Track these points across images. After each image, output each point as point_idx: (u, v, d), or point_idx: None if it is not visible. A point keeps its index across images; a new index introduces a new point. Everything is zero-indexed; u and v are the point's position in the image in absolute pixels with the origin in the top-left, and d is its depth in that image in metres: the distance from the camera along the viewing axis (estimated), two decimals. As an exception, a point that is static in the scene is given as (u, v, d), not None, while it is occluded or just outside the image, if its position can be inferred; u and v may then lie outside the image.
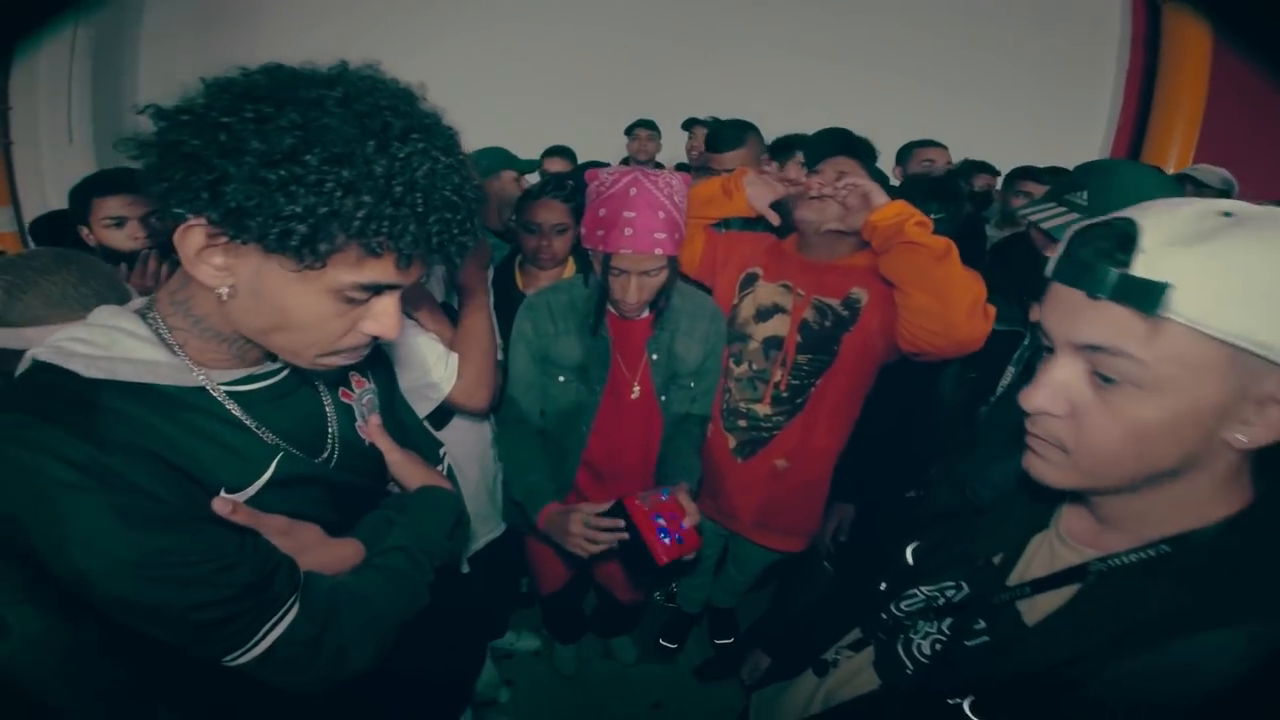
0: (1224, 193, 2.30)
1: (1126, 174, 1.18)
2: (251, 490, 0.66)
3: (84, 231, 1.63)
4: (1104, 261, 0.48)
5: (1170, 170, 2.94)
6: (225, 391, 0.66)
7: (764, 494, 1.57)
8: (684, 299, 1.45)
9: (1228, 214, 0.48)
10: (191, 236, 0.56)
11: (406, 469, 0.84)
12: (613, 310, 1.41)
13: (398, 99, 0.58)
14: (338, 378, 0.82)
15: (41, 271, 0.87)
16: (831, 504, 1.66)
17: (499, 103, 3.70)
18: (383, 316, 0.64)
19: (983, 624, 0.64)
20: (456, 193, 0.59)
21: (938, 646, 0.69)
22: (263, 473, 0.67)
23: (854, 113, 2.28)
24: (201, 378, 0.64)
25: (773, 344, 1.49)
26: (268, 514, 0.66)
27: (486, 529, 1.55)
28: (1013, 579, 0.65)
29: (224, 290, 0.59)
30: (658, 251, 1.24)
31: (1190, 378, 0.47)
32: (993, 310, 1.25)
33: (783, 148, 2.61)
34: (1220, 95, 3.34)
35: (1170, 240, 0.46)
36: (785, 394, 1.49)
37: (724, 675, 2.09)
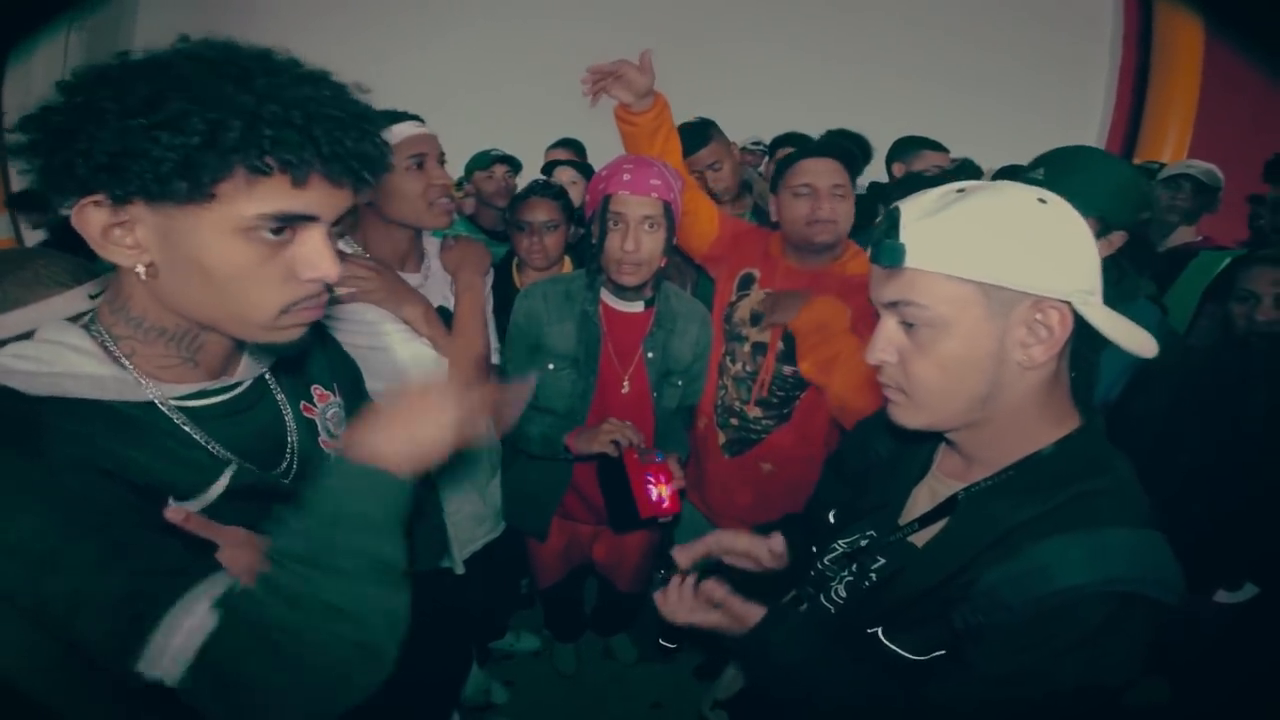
0: (1210, 186, 2.33)
1: (1085, 153, 1.22)
2: (207, 499, 0.64)
3: None
4: (883, 240, 0.64)
5: (1167, 162, 2.95)
6: (176, 406, 0.63)
7: (750, 492, 1.60)
8: (678, 300, 1.47)
9: (961, 190, 0.64)
10: (88, 216, 0.55)
11: None
12: (608, 301, 1.42)
13: (254, 54, 0.57)
14: (299, 390, 0.79)
15: (11, 262, 0.94)
16: None
17: (496, 100, 3.70)
18: (314, 256, 0.60)
19: (881, 560, 0.75)
20: (339, 105, 0.57)
21: (849, 586, 0.80)
22: (214, 482, 0.64)
23: (846, 109, 2.29)
24: (151, 392, 0.62)
25: (760, 350, 1.51)
26: (225, 526, 0.64)
27: (483, 530, 1.54)
28: (903, 519, 0.77)
29: (141, 269, 0.57)
30: (654, 195, 1.28)
31: (959, 311, 0.61)
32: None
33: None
34: (1213, 90, 3.35)
35: (918, 215, 0.63)
36: (774, 401, 1.51)
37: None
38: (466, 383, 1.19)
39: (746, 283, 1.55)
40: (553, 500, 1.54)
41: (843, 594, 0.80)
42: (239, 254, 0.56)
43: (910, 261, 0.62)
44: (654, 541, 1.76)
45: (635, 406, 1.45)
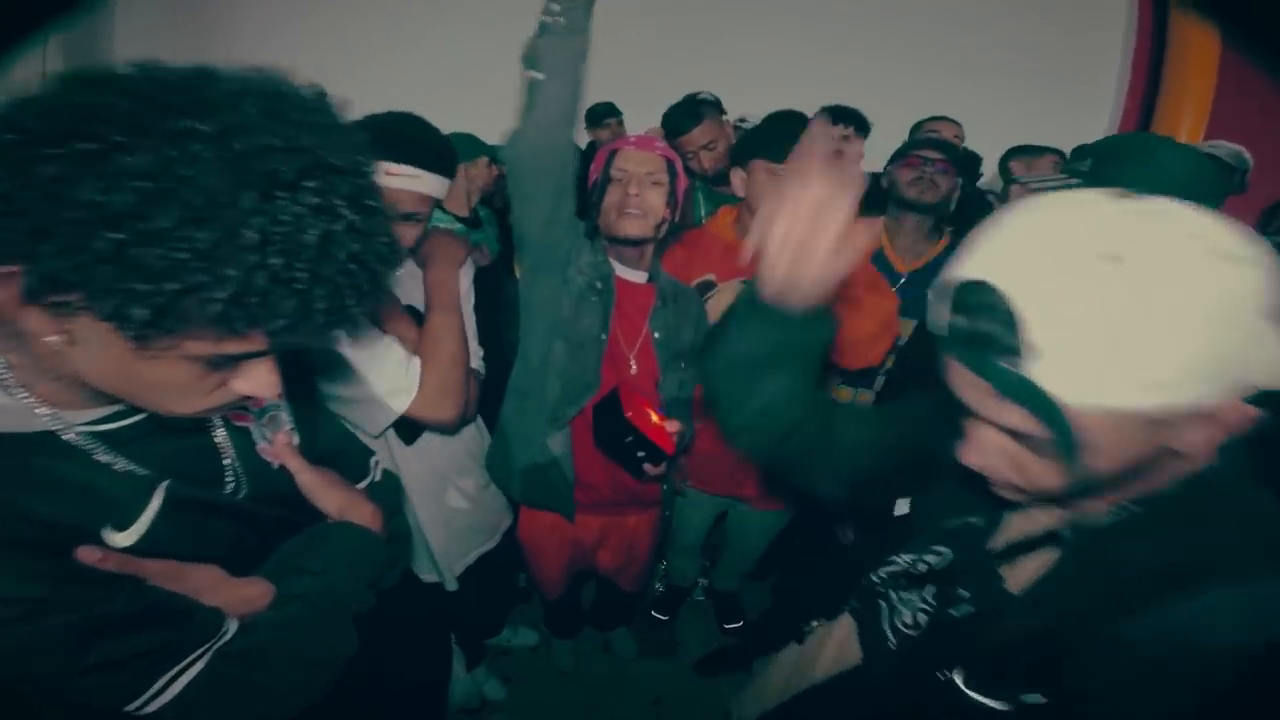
0: (1235, 168, 2.27)
1: (1144, 140, 1.11)
2: (142, 525, 0.57)
3: None
4: (998, 353, 0.46)
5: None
6: (86, 433, 0.55)
7: (726, 464, 1.65)
8: (670, 279, 1.46)
9: (1111, 256, 0.43)
10: (10, 283, 0.43)
11: (320, 492, 0.73)
12: (616, 273, 1.37)
13: (302, 129, 0.44)
14: None
15: None
16: None
17: (479, 90, 3.61)
18: (257, 381, 0.53)
19: (966, 593, 0.64)
20: (356, 258, 0.47)
21: (921, 617, 0.68)
22: (145, 505, 0.57)
23: (855, 97, 2.23)
24: (52, 421, 0.53)
25: None
26: (146, 559, 0.57)
27: (478, 541, 1.50)
28: (992, 544, 0.65)
29: (54, 340, 0.46)
30: (657, 153, 1.31)
31: (1105, 437, 0.47)
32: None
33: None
34: (1229, 81, 3.27)
35: (1061, 324, 0.44)
36: None
37: (725, 670, 2.08)
38: (440, 385, 1.11)
39: (704, 289, 1.53)
40: (564, 478, 1.43)
41: (909, 623, 0.69)
42: (177, 372, 0.49)
43: (1081, 408, 0.45)
44: (658, 541, 1.75)
45: (642, 390, 1.39)
